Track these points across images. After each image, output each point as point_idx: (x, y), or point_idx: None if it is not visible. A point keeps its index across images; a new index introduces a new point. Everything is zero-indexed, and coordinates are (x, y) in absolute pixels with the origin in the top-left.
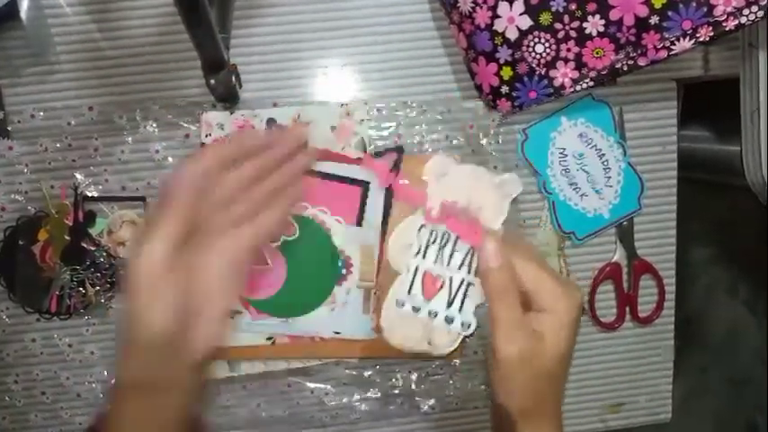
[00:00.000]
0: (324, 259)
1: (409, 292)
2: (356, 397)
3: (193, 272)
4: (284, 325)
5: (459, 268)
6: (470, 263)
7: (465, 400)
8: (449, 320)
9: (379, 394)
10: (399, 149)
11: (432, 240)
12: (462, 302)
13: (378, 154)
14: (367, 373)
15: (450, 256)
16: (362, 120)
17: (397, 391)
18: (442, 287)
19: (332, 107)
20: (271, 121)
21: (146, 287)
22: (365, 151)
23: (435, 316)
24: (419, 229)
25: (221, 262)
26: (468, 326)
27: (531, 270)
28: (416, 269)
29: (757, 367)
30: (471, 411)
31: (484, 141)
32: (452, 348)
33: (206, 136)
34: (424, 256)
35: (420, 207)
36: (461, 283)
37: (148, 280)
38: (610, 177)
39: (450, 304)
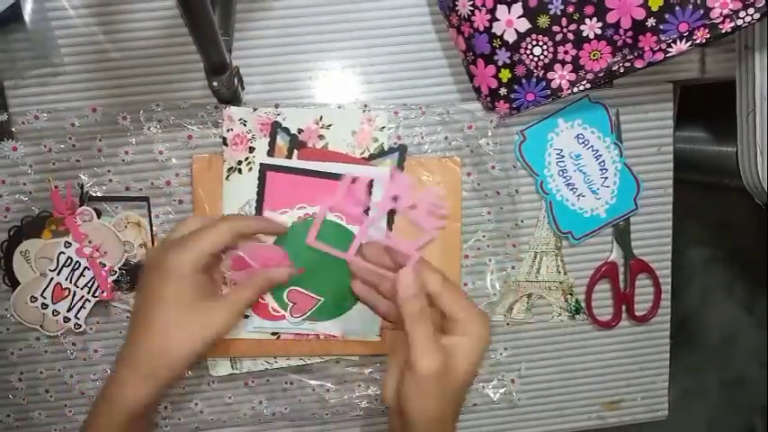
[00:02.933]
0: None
1: None
2: (357, 394)
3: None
4: (292, 324)
5: None
6: None
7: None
8: None
9: (379, 391)
10: (403, 149)
11: None
12: None
13: (382, 153)
14: (368, 371)
15: None
16: (383, 126)
17: None
18: None
19: (353, 111)
20: (276, 125)
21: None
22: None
23: None
24: None
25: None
26: None
27: (448, 296)
28: None
29: (753, 368)
30: (470, 409)
31: (482, 142)
32: None
33: (227, 131)
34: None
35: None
36: None
37: (178, 273)
38: (606, 178)
39: None
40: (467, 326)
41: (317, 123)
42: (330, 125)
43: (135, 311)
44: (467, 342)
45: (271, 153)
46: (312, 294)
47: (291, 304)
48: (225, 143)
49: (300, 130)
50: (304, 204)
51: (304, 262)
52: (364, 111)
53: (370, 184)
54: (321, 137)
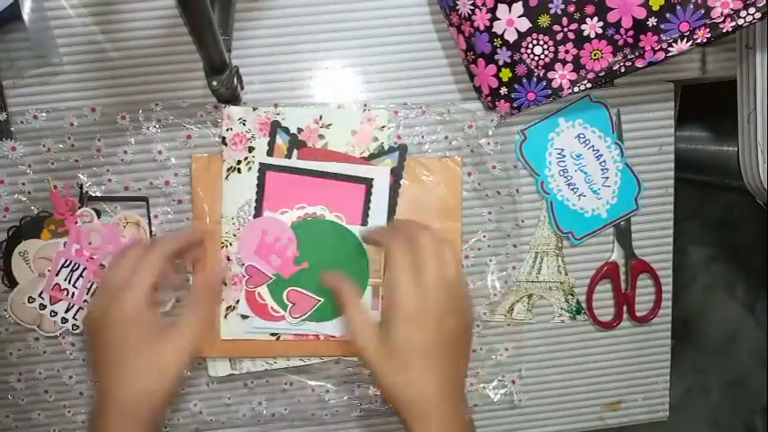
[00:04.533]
0: (352, 256)
1: None
2: (357, 394)
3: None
4: (291, 325)
5: None
6: None
7: None
8: None
9: (378, 392)
10: (403, 148)
11: None
12: None
13: (382, 152)
14: (367, 371)
15: None
16: (383, 126)
17: None
18: None
19: (353, 111)
20: (275, 124)
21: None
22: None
23: None
24: None
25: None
26: None
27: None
28: None
29: (755, 367)
30: (471, 409)
31: (483, 142)
32: None
33: (227, 130)
34: None
35: None
36: None
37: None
38: (607, 178)
39: None
40: (422, 238)
41: (317, 123)
42: (330, 124)
43: (93, 366)
44: (424, 248)
45: (270, 153)
46: (312, 295)
47: (291, 304)
48: (224, 143)
49: (300, 130)
50: (304, 204)
51: (308, 258)
52: (364, 110)
53: (371, 184)
54: (321, 136)
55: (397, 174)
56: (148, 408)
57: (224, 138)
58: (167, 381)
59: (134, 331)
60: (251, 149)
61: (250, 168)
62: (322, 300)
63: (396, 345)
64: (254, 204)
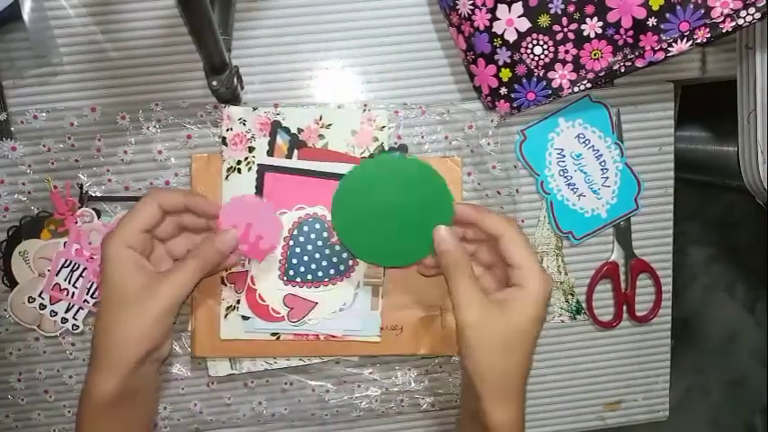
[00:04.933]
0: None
1: None
2: (356, 395)
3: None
4: (291, 326)
5: None
6: None
7: None
8: None
9: (379, 392)
10: (403, 149)
11: None
12: None
13: (382, 152)
14: (367, 371)
15: None
16: (384, 126)
17: (396, 389)
18: None
19: (353, 111)
20: (276, 124)
21: (116, 260)
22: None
23: None
24: None
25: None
26: None
27: (516, 246)
28: None
29: (755, 367)
30: None
31: (483, 142)
32: None
33: (227, 130)
34: None
35: None
36: None
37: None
38: (607, 178)
39: None
40: (524, 277)
41: (317, 123)
42: (330, 125)
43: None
44: (524, 295)
45: (271, 153)
46: (309, 298)
47: (289, 309)
48: (224, 143)
49: (300, 130)
50: (303, 205)
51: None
52: (364, 110)
53: None
54: (321, 136)
55: None
56: (129, 354)
57: (224, 138)
58: (143, 326)
59: (118, 273)
60: (251, 149)
61: (250, 168)
62: (317, 302)
63: (514, 328)
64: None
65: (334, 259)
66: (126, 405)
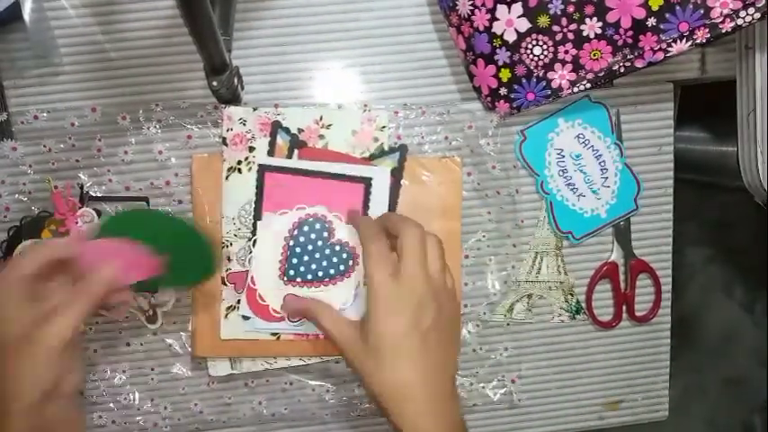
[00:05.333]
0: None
1: None
2: (357, 394)
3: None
4: (292, 325)
5: None
6: None
7: (464, 398)
8: None
9: (365, 391)
10: (403, 149)
11: None
12: None
13: (382, 153)
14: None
15: None
16: (384, 126)
17: None
18: None
19: (354, 111)
20: (276, 124)
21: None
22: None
23: None
24: None
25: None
26: None
27: (390, 221)
28: None
29: (753, 367)
30: (470, 408)
31: (482, 142)
32: None
33: (227, 131)
34: None
35: None
36: None
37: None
38: (607, 178)
39: None
40: (403, 233)
41: (317, 123)
42: (330, 125)
43: None
44: (404, 242)
45: (271, 153)
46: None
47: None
48: (224, 143)
49: (300, 130)
50: (303, 205)
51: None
52: (365, 111)
53: (369, 183)
54: (321, 136)
55: (397, 174)
56: (19, 403)
57: (224, 138)
58: (40, 371)
59: (4, 327)
60: (251, 149)
61: (250, 169)
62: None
63: (375, 340)
64: (254, 205)
65: (335, 259)
66: None
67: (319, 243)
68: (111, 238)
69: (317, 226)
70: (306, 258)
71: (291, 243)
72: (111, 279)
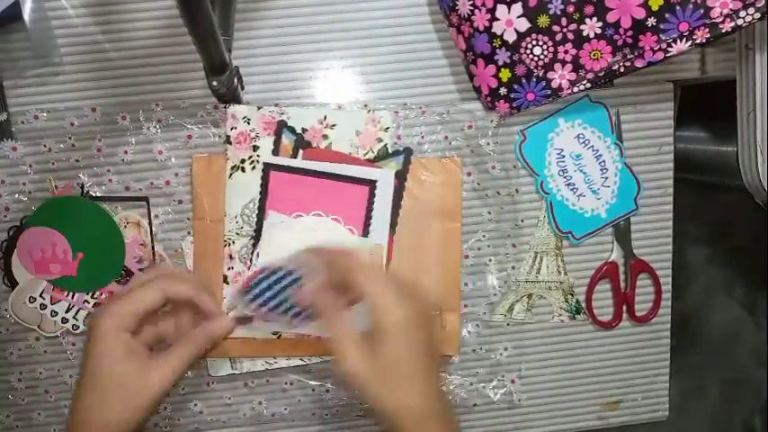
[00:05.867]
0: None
1: None
2: (356, 394)
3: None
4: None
5: None
6: None
7: (464, 398)
8: None
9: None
10: (408, 152)
11: None
12: None
13: (386, 155)
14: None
15: None
16: (388, 127)
17: None
18: None
19: (358, 112)
20: (282, 124)
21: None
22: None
23: None
24: None
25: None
26: None
27: (358, 278)
28: None
29: (754, 367)
30: (470, 408)
31: (482, 142)
32: None
33: (231, 129)
34: None
35: None
36: None
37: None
38: (607, 178)
39: None
40: (377, 310)
41: (321, 123)
42: (334, 125)
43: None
44: (384, 327)
45: (276, 152)
46: None
47: None
48: (228, 141)
49: (305, 130)
50: (307, 204)
51: (82, 249)
52: (368, 111)
53: (374, 186)
54: (325, 136)
55: (401, 177)
56: None
57: (228, 136)
58: (136, 415)
59: (107, 360)
60: (255, 148)
61: (254, 167)
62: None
63: (384, 361)
64: (258, 204)
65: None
66: None
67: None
68: (41, 226)
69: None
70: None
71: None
72: (226, 334)
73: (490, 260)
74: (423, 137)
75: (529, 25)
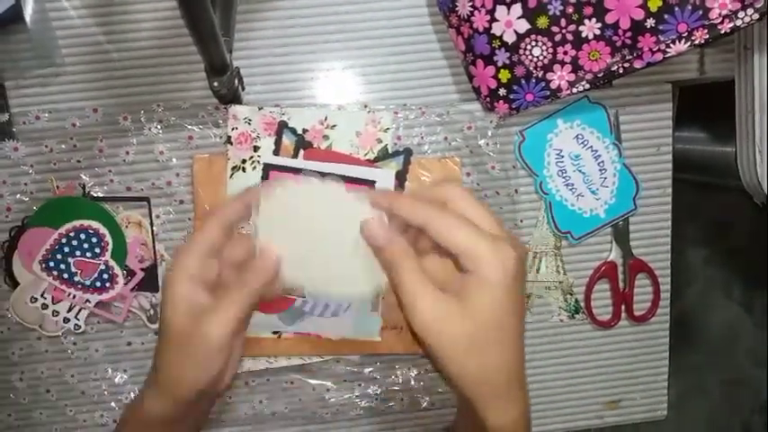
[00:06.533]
0: None
1: None
2: (357, 393)
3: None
4: (291, 323)
5: None
6: None
7: None
8: None
9: (379, 391)
10: (408, 152)
11: None
12: None
13: (386, 155)
14: (367, 370)
15: None
16: (388, 128)
17: (397, 388)
18: None
19: (358, 112)
20: (283, 124)
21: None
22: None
23: None
24: None
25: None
26: None
27: (447, 230)
28: None
29: (752, 367)
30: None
31: (482, 143)
32: None
33: (232, 129)
34: None
35: None
36: None
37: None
38: (605, 178)
39: None
40: (472, 261)
41: (322, 124)
42: (335, 125)
43: None
44: (476, 282)
45: (276, 152)
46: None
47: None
48: (229, 141)
49: (305, 130)
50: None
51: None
52: (369, 112)
53: (373, 186)
54: (326, 137)
55: (401, 177)
56: (182, 393)
57: (229, 137)
58: (199, 370)
59: (169, 313)
60: (256, 149)
61: (255, 167)
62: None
63: (475, 320)
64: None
65: None
66: (175, 426)
67: None
68: (43, 226)
69: None
70: None
71: None
72: (275, 268)
73: None
74: (422, 137)
75: (528, 26)
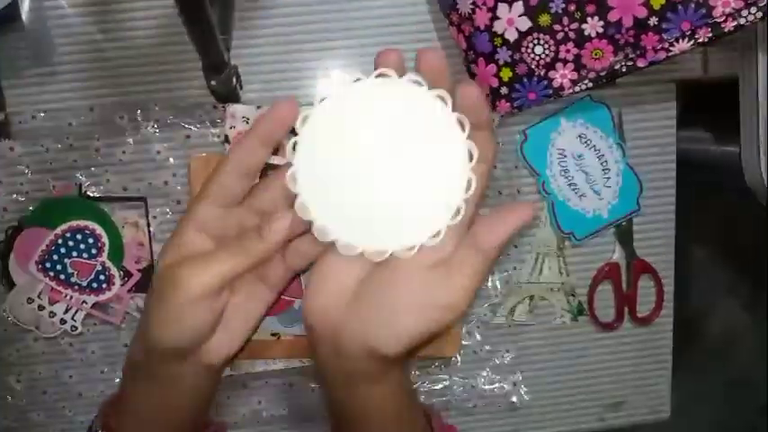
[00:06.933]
0: None
1: None
2: None
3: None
4: (289, 324)
5: None
6: None
7: (464, 399)
8: None
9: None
10: None
11: None
12: None
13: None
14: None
15: None
16: None
17: None
18: None
19: None
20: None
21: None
22: None
23: None
24: None
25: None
26: None
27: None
28: None
29: (756, 368)
30: (471, 410)
31: None
32: None
33: (230, 128)
34: None
35: None
36: None
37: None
38: (609, 178)
39: None
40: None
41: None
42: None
43: None
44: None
45: (275, 152)
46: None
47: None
48: (227, 141)
49: None
50: None
51: None
52: None
53: None
54: None
55: None
56: (156, 345)
57: (227, 136)
58: (172, 321)
59: (162, 258)
60: None
61: None
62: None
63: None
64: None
65: None
66: (160, 381)
67: None
68: (39, 227)
69: None
70: None
71: None
72: (281, 238)
73: None
74: None
75: (530, 24)
